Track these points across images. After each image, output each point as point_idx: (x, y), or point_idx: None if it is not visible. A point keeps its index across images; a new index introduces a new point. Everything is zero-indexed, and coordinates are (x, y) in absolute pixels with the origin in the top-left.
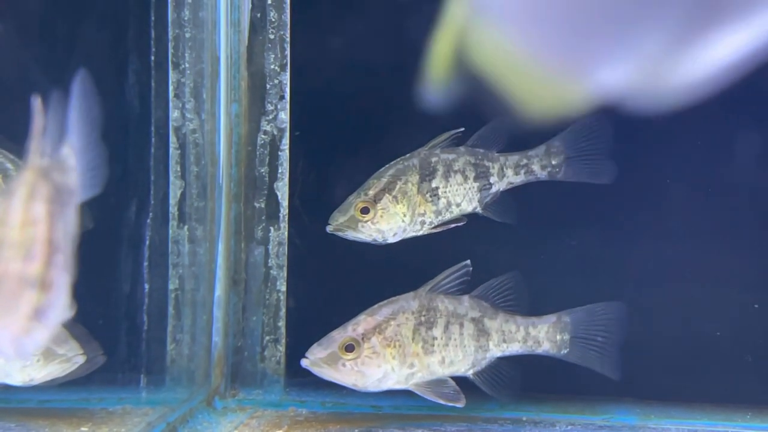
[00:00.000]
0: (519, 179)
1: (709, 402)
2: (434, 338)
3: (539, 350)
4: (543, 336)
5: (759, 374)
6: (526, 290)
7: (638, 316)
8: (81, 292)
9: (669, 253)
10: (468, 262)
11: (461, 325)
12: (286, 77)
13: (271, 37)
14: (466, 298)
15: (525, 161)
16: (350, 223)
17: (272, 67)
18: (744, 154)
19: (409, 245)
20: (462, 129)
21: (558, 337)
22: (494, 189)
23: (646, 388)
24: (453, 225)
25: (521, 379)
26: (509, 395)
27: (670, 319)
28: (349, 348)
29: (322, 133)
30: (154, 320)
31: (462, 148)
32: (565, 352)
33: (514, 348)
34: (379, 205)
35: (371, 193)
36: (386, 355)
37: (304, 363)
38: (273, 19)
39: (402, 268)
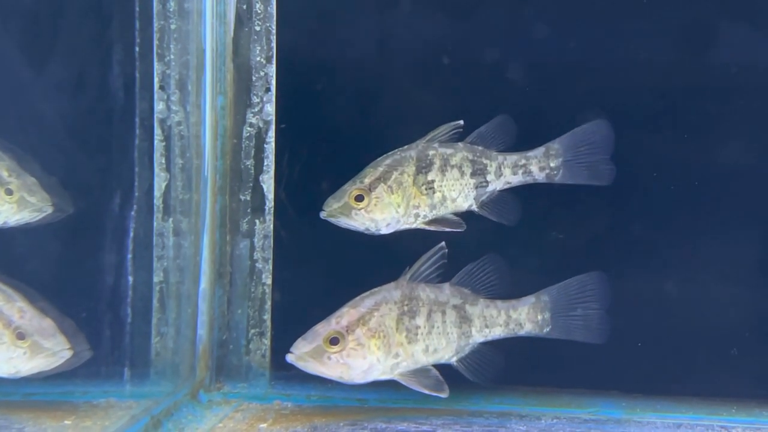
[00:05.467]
0: (516, 179)
1: (694, 396)
2: (417, 327)
3: (522, 332)
4: (524, 318)
5: (744, 368)
6: (506, 270)
7: (624, 311)
8: (64, 284)
9: (656, 247)
10: (443, 244)
11: (443, 313)
12: (272, 69)
13: (257, 29)
14: (446, 285)
15: (523, 162)
16: (344, 210)
17: (258, 59)
18: (728, 149)
19: (394, 238)
20: (462, 122)
21: (539, 317)
22: (491, 187)
23: (632, 381)
24: (449, 230)
25: (504, 362)
26: (492, 379)
27: (656, 314)
28: (333, 341)
29: (308, 126)
30: (139, 313)
31: (461, 144)
32: (548, 330)
33: (497, 332)
34: (373, 193)
35: (367, 181)
36: (371, 346)
37: (290, 358)
38: (259, 11)
39: (387, 260)
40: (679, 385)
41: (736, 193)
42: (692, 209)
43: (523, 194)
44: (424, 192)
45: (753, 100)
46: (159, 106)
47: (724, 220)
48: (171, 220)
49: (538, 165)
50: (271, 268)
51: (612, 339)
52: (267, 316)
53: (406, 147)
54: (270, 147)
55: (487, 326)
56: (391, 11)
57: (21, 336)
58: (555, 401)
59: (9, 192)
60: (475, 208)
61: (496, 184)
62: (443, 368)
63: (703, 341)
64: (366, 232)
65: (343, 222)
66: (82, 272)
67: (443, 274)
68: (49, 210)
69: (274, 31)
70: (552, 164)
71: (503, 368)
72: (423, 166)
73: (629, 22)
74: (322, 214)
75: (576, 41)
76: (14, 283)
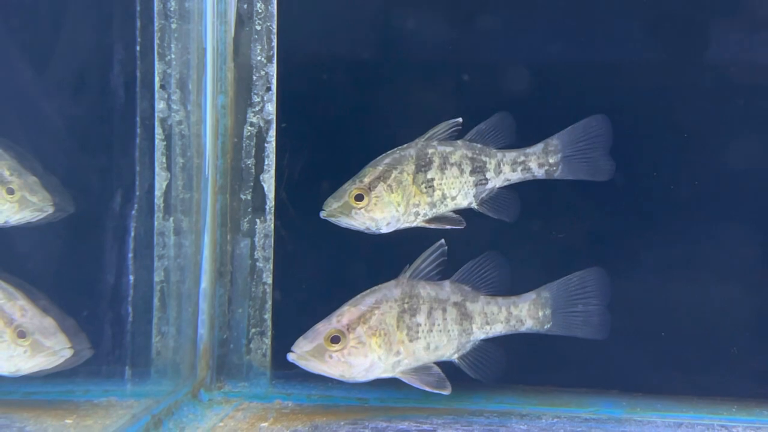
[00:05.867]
0: (516, 176)
1: (694, 395)
2: (418, 325)
3: (522, 328)
4: (525, 314)
5: (744, 367)
6: (506, 267)
7: (625, 309)
8: (65, 283)
9: (656, 246)
10: (443, 241)
11: (444, 310)
12: (273, 69)
13: (258, 28)
14: (447, 283)
15: (522, 158)
16: (344, 210)
17: (259, 58)
18: (728, 149)
19: (394, 237)
20: (460, 119)
21: (540, 313)
22: (490, 185)
23: (632, 380)
24: (450, 227)
25: (505, 359)
26: (494, 377)
27: (656, 313)
28: (334, 339)
29: (308, 125)
30: (140, 312)
31: (460, 142)
32: (549, 326)
33: (498, 329)
34: (373, 192)
35: (366, 180)
36: (372, 344)
37: (291, 357)
38: (260, 11)
39: (387, 259)
40: (680, 384)
41: (735, 193)
42: (692, 208)
43: (523, 191)
44: (424, 190)
45: (753, 99)
46: (160, 105)
47: (725, 218)
48: (172, 219)
49: (537, 161)
50: (271, 267)
51: (612, 338)
52: (268, 315)
53: (405, 146)
54: (271, 146)
55: (488, 323)
56: (392, 10)
57: (22, 334)
58: (556, 400)
59: (10, 191)
60: (474, 205)
61: (495, 182)
62: (444, 366)
63: (703, 340)
64: (366, 231)
65: (343, 221)
66: (83, 271)
67: (443, 272)
68: (50, 210)
69: (274, 31)
70: (551, 160)
71: (505, 365)
72: (422, 165)
73: (627, 21)
74: (322, 214)
75: (574, 39)
76: (16, 282)
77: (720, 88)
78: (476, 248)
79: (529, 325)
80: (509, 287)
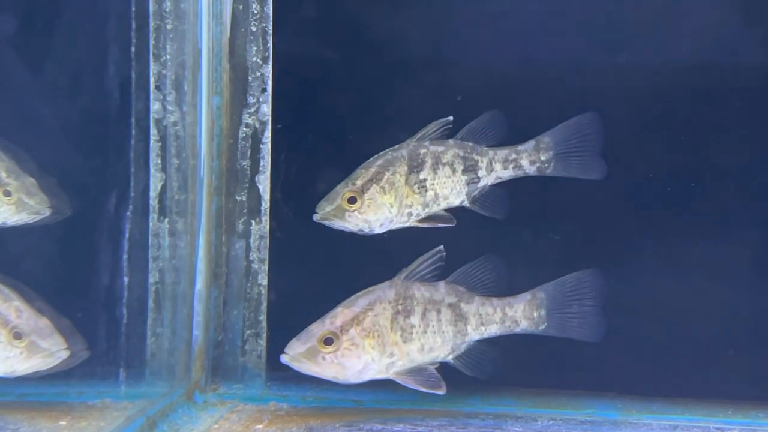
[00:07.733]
0: (507, 174)
1: (690, 397)
2: (412, 326)
3: (518, 329)
4: (520, 315)
5: (740, 370)
6: (503, 271)
7: (620, 313)
8: (60, 284)
9: (651, 249)
10: (441, 247)
11: (438, 312)
12: (269, 70)
13: (254, 29)
14: (442, 284)
15: (514, 156)
16: (337, 213)
17: (254, 59)
18: (724, 150)
19: (390, 237)
20: (451, 118)
21: (535, 314)
22: (482, 183)
23: (628, 383)
24: (442, 225)
25: (501, 357)
26: (490, 374)
27: (652, 315)
28: (327, 341)
29: (304, 126)
30: (134, 314)
31: (451, 141)
32: (544, 327)
33: (493, 330)
34: (366, 195)
35: (359, 182)
36: (365, 346)
37: (284, 358)
38: (255, 11)
39: (383, 261)
40: (675, 387)
41: (730, 194)
42: (688, 210)
43: (521, 192)
44: (417, 191)
45: (749, 101)
46: (155, 106)
47: (721, 220)
48: (167, 220)
49: (528, 159)
50: (266, 268)
51: (608, 340)
52: (263, 317)
53: (397, 146)
54: (266, 147)
55: (483, 324)
56: (387, 11)
57: (18, 336)
58: (551, 402)
59: (7, 193)
60: (466, 203)
61: (487, 180)
62: (440, 367)
63: (699, 342)
64: (359, 233)
65: (337, 224)
66: (77, 272)
67: (439, 275)
68: (47, 212)
69: (270, 32)
70: (543, 157)
71: (501, 363)
72: (415, 165)
73: (621, 21)
74: (316, 217)
75: (568, 39)
76: (11, 283)
77: (718, 89)
78: (472, 249)
79: (524, 325)
80: (506, 291)
